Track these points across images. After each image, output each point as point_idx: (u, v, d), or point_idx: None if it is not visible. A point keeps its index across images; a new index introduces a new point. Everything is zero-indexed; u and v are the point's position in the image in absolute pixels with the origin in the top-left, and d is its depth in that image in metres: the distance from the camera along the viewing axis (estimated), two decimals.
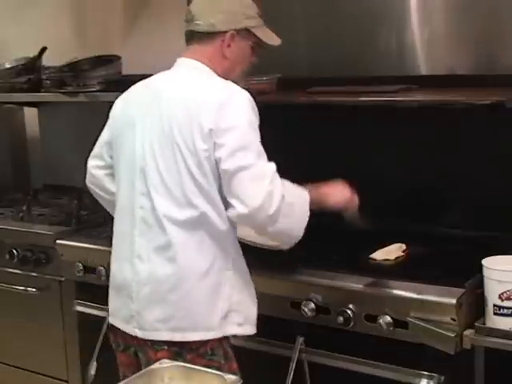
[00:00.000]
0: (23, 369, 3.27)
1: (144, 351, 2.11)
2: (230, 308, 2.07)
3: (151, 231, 2.07)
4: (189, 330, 2.04)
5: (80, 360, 3.02)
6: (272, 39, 2.23)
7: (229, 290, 2.07)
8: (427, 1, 2.70)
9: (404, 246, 2.49)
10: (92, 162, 2.37)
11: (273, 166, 2.03)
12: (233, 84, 2.09)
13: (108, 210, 2.41)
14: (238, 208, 1.99)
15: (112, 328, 2.23)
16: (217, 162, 2.00)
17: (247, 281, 2.14)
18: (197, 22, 2.11)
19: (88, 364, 2.68)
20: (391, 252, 2.46)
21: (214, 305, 2.05)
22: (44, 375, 3.21)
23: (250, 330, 2.13)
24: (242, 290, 2.11)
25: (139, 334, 2.11)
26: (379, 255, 2.44)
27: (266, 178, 2.00)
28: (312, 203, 2.12)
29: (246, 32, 2.15)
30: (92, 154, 2.37)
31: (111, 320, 2.23)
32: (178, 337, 2.04)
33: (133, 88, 2.26)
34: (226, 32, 2.11)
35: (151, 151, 2.08)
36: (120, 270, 2.18)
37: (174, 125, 2.04)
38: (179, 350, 2.04)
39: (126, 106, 2.24)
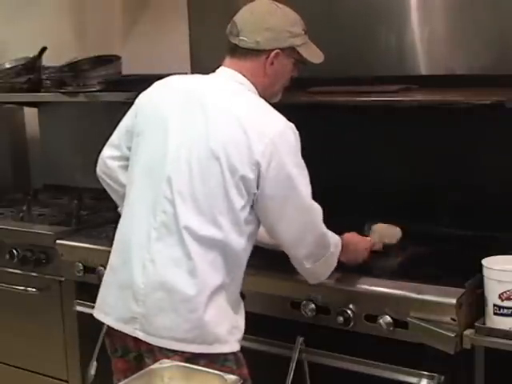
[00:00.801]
0: (23, 369, 3.27)
1: (153, 356, 2.04)
2: (234, 324, 2.06)
3: (171, 238, 2.02)
4: (195, 342, 2.01)
5: (80, 360, 3.02)
6: (315, 56, 2.21)
7: (234, 307, 2.08)
8: (427, 0, 2.70)
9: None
10: (107, 152, 2.29)
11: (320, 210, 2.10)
12: (280, 116, 2.06)
13: (116, 201, 2.36)
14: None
15: (109, 332, 2.17)
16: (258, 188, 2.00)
17: (239, 297, 2.14)
18: (242, 38, 2.08)
19: (88, 364, 2.67)
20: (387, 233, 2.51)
21: (222, 321, 2.03)
22: (44, 375, 3.21)
23: (239, 346, 2.10)
24: (241, 307, 2.12)
25: (143, 337, 2.05)
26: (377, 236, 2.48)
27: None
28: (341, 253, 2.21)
29: (291, 50, 2.12)
30: (109, 142, 2.29)
31: (100, 318, 2.17)
32: (182, 347, 2.01)
33: (158, 86, 2.19)
34: (270, 50, 2.08)
35: (187, 158, 2.01)
36: (126, 267, 2.10)
37: (221, 139, 1.98)
38: (192, 357, 1.99)
39: (156, 102, 2.15)
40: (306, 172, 2.05)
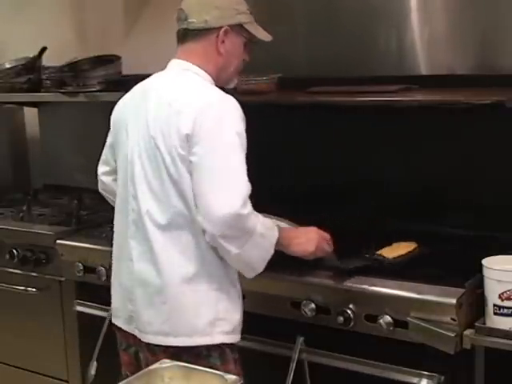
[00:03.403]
0: (23, 369, 3.27)
1: (143, 351, 2.13)
2: (217, 316, 2.05)
3: (139, 234, 2.09)
4: (171, 335, 2.04)
5: (80, 360, 3.02)
6: (263, 35, 2.24)
7: (216, 296, 2.06)
8: (427, 1, 2.70)
9: (412, 245, 2.50)
10: (101, 169, 2.38)
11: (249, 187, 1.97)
12: (218, 90, 2.08)
13: None
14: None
15: (115, 327, 2.24)
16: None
17: (236, 288, 2.12)
18: (190, 20, 2.11)
19: (88, 364, 2.68)
20: (400, 248, 2.47)
21: (198, 311, 2.04)
22: (44, 375, 3.21)
23: (236, 338, 2.10)
24: (230, 298, 2.09)
25: (138, 334, 2.13)
26: (388, 252, 2.44)
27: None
28: (280, 239, 2.08)
29: (239, 28, 2.15)
30: (100, 160, 2.38)
31: (114, 320, 2.25)
32: (160, 341, 2.05)
33: (131, 90, 2.27)
34: (220, 28, 2.11)
35: (138, 154, 2.09)
36: (119, 270, 2.20)
37: (157, 128, 2.05)
38: (176, 351, 2.03)
39: (121, 108, 2.25)
40: (237, 145, 1.97)
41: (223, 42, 2.12)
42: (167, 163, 2.02)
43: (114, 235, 2.24)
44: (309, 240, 2.18)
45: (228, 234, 1.96)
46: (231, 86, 2.25)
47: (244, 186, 1.96)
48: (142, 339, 2.11)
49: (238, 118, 2.02)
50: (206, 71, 2.13)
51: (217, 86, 2.15)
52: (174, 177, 2.01)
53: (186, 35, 2.15)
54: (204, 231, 1.98)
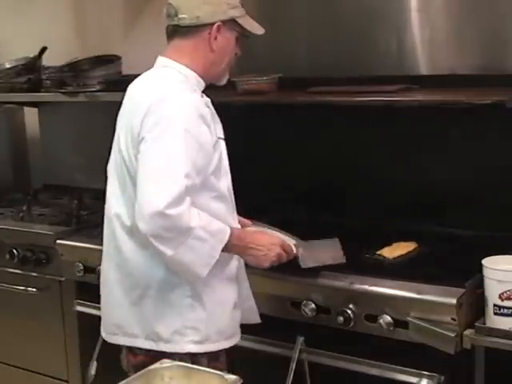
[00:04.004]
0: (23, 369, 3.27)
1: (126, 352, 2.11)
2: (185, 324, 1.99)
3: (110, 236, 2.09)
4: (140, 337, 2.03)
5: (80, 360, 3.02)
6: (256, 28, 2.15)
7: (186, 304, 1.99)
8: (427, 1, 2.70)
9: (412, 245, 2.50)
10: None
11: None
12: (181, 86, 2.00)
13: None
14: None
15: None
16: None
17: (217, 295, 2.04)
18: (181, 16, 2.02)
19: (88, 364, 2.68)
20: (400, 248, 2.47)
21: (161, 318, 1.99)
22: (44, 375, 3.21)
23: (211, 347, 2.02)
24: (205, 306, 2.01)
25: (104, 336, 2.16)
26: (388, 252, 2.44)
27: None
28: (231, 246, 1.98)
29: (232, 22, 2.07)
30: None
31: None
32: (128, 342, 2.05)
33: None
34: (212, 24, 2.03)
35: (114, 156, 2.09)
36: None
37: (122, 124, 2.05)
38: (155, 354, 1.98)
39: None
40: (181, 142, 1.88)
41: (216, 38, 2.04)
42: (127, 162, 2.00)
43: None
44: (268, 252, 2.04)
45: (159, 234, 1.86)
46: (223, 82, 2.17)
47: (176, 185, 1.84)
48: (109, 340, 2.12)
49: (192, 116, 1.93)
50: (191, 68, 2.05)
51: (206, 83, 2.10)
52: (133, 176, 1.97)
53: (175, 31, 2.06)
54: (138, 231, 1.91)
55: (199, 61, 2.06)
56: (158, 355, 1.93)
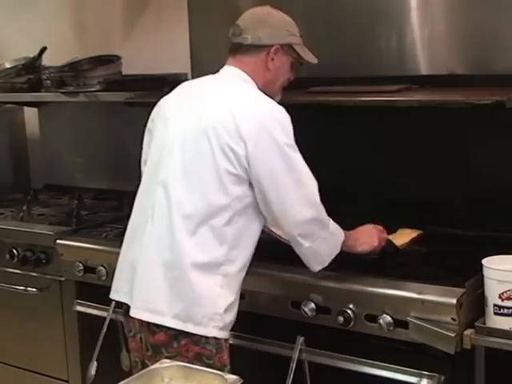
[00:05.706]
0: (23, 369, 3.27)
1: (144, 332, 2.15)
2: (216, 311, 2.09)
3: (163, 216, 2.13)
4: (167, 315, 2.08)
5: (80, 360, 3.02)
6: (310, 57, 2.36)
7: (220, 292, 2.10)
8: (427, 0, 2.70)
9: (417, 232, 2.55)
10: (143, 168, 2.40)
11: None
12: (271, 100, 2.18)
13: None
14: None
15: (125, 314, 2.25)
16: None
17: (237, 288, 2.16)
18: (245, 36, 2.23)
19: (88, 364, 2.68)
20: (405, 235, 2.51)
21: (199, 301, 2.08)
22: (44, 375, 3.21)
23: (226, 335, 2.14)
24: (230, 296, 2.12)
25: (133, 313, 2.16)
26: (393, 239, 2.48)
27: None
28: (344, 245, 2.23)
29: (289, 48, 2.28)
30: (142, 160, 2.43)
31: (113, 295, 2.28)
32: (152, 318, 2.09)
33: (175, 89, 2.34)
34: (271, 46, 2.23)
35: (181, 142, 2.14)
36: (128, 249, 2.24)
37: (211, 123, 2.10)
38: (176, 334, 2.08)
39: (162, 104, 2.32)
40: (297, 153, 2.14)
41: (273, 59, 2.24)
42: (216, 156, 2.08)
43: (132, 216, 2.27)
44: (370, 236, 2.34)
45: (306, 233, 2.13)
46: (276, 100, 2.29)
47: (316, 193, 2.16)
48: (133, 315, 2.14)
49: (289, 129, 2.15)
50: (256, 82, 2.24)
51: None
52: (220, 170, 2.07)
53: (238, 48, 2.25)
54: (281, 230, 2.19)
55: (259, 77, 2.25)
56: (180, 334, 2.06)
